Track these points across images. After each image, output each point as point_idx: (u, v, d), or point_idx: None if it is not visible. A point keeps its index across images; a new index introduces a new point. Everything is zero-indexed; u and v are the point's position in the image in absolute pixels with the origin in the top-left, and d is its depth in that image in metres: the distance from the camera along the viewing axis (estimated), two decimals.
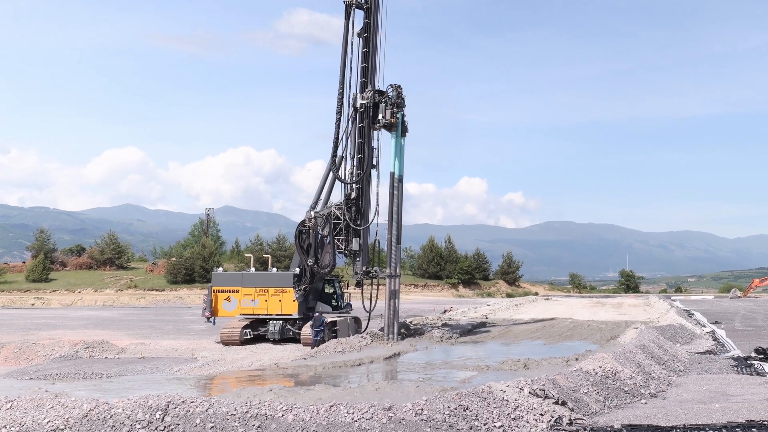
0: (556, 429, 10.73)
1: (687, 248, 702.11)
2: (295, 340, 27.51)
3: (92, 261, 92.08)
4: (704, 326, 33.27)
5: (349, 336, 26.38)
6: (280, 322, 27.94)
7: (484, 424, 10.44)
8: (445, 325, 32.59)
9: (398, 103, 27.43)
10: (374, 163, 27.94)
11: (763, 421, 11.26)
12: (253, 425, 10.11)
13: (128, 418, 10.31)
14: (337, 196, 28.24)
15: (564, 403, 12.03)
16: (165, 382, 17.10)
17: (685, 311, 45.17)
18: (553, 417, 11.03)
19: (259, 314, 28.25)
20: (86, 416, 10.39)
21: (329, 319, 27.50)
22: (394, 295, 26.95)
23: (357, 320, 29.49)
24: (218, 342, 27.52)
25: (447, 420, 10.34)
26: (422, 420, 10.25)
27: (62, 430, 10.17)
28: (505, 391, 11.55)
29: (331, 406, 10.50)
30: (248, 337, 27.56)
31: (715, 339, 27.07)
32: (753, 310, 50.27)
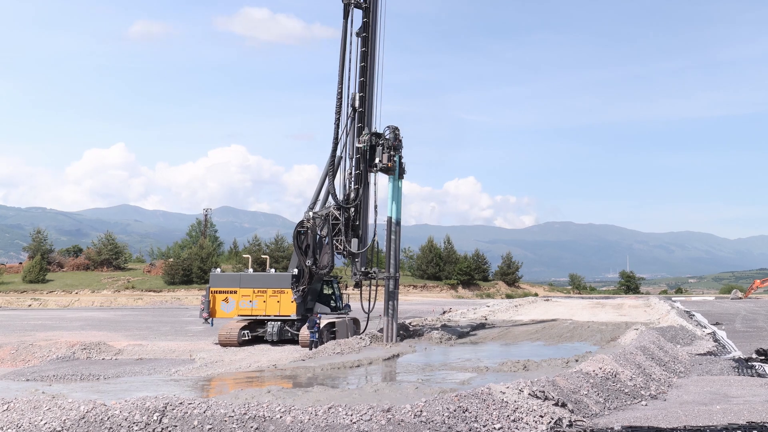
0: (556, 431, 10.67)
1: (687, 249, 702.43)
2: (294, 341, 27.44)
3: (89, 262, 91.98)
4: (705, 327, 33.22)
5: (347, 337, 26.32)
6: (279, 323, 27.86)
7: (484, 426, 10.38)
8: (444, 326, 32.53)
9: (395, 146, 27.29)
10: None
11: (764, 422, 11.23)
12: (252, 427, 10.06)
13: (125, 420, 10.26)
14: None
15: (564, 405, 11.98)
16: (163, 383, 17.04)
17: (685, 312, 45.11)
18: (552, 419, 10.98)
19: (257, 315, 28.18)
20: (83, 418, 10.34)
21: (328, 320, 27.43)
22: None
23: (356, 321, 29.42)
24: (216, 343, 27.45)
25: (446, 422, 10.29)
26: (421, 422, 10.20)
27: None
28: (504, 393, 11.50)
29: (330, 408, 10.46)
30: (246, 338, 27.50)
31: (715, 340, 27.01)
32: (754, 311, 50.22)
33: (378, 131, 27.80)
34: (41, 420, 10.42)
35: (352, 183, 27.79)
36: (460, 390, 12.05)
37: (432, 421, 10.24)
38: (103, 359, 23.87)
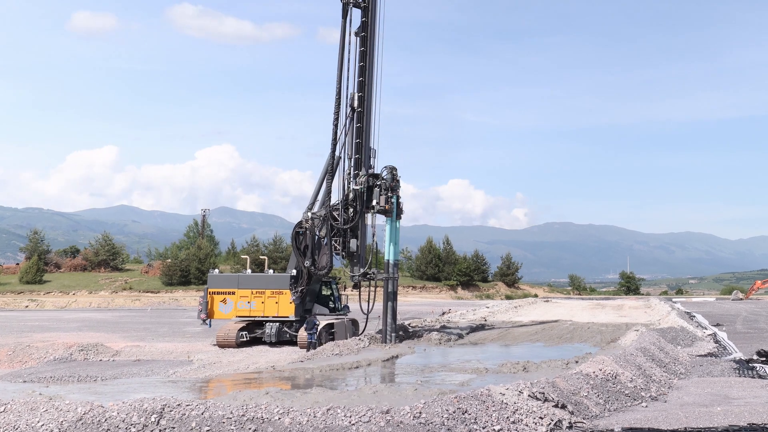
0: None
1: (688, 250, 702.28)
2: (292, 342, 27.37)
3: (87, 263, 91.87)
4: (705, 328, 33.16)
5: (346, 338, 26.24)
6: (277, 324, 27.78)
7: (483, 428, 10.33)
8: (443, 327, 32.46)
9: (393, 187, 27.01)
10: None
11: (765, 424, 11.20)
12: (250, 429, 10.02)
13: (123, 421, 10.23)
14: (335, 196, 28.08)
15: (564, 407, 11.92)
16: (160, 385, 16.97)
17: (686, 313, 45.02)
18: (552, 420, 10.93)
19: (255, 316, 28.09)
20: (81, 420, 10.30)
21: (327, 321, 27.36)
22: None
23: (354, 322, 29.34)
24: (214, 344, 27.36)
25: (445, 423, 10.24)
26: (420, 423, 10.15)
27: None
28: (504, 394, 11.44)
29: (329, 410, 10.41)
30: (244, 339, 27.42)
31: (716, 341, 26.92)
32: (755, 312, 50.16)
33: (375, 172, 27.45)
34: (38, 422, 10.37)
35: (351, 184, 27.71)
36: (460, 391, 11.99)
37: (431, 423, 10.19)
38: (101, 360, 23.80)
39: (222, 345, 26.81)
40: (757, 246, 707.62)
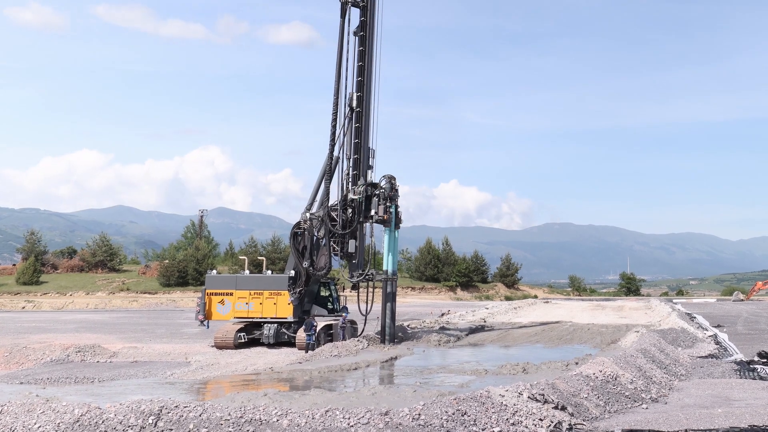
0: None
1: (689, 250, 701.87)
2: (290, 343, 27.29)
3: (84, 263, 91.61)
4: (706, 330, 33.14)
5: (345, 339, 26.16)
6: (275, 325, 27.71)
7: (483, 430, 10.28)
8: (442, 328, 32.44)
9: (391, 196, 26.90)
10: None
11: (766, 426, 11.13)
12: (248, 430, 9.97)
13: (120, 423, 10.18)
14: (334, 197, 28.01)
15: (564, 408, 11.87)
16: (158, 386, 16.89)
17: (686, 314, 45.03)
18: (552, 422, 10.86)
19: (253, 317, 28.02)
20: (78, 421, 10.26)
21: (325, 323, 27.28)
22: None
23: (353, 323, 29.26)
24: (212, 346, 27.29)
25: (445, 425, 10.19)
26: (419, 425, 10.09)
27: None
28: (503, 396, 11.38)
29: (327, 411, 10.35)
30: (243, 340, 27.34)
31: (717, 343, 26.88)
32: (756, 313, 50.17)
33: (374, 181, 27.35)
34: (35, 423, 10.32)
35: (350, 184, 27.64)
36: (459, 393, 11.93)
37: (430, 425, 10.13)
38: (98, 362, 23.73)
39: (220, 346, 26.73)
40: (757, 247, 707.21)
